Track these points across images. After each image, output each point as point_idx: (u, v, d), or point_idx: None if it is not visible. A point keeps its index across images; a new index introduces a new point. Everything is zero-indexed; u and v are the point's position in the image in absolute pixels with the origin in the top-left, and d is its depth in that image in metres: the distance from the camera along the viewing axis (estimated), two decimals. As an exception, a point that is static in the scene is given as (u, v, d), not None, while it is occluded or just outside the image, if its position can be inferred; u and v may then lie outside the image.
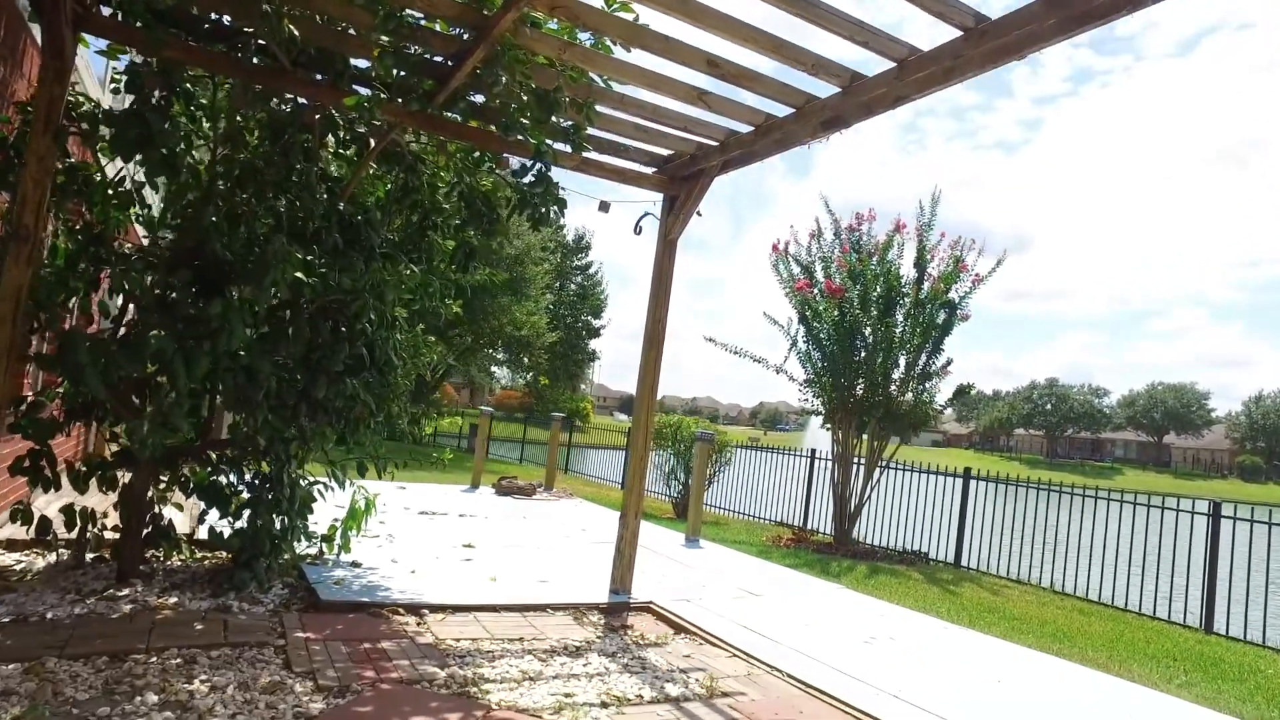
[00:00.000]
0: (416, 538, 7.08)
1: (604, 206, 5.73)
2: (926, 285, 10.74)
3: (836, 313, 10.82)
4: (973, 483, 10.48)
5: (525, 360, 29.94)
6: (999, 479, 10.24)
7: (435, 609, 4.87)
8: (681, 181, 5.76)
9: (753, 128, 4.99)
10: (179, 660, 3.50)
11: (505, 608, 5.08)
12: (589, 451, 25.39)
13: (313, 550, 5.90)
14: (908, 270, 10.94)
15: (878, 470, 10.95)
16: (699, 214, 5.83)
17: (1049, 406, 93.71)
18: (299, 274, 4.45)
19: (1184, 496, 8.59)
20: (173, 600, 4.40)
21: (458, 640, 4.33)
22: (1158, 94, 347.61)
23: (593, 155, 5.52)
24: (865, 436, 11.10)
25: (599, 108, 5.08)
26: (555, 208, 5.25)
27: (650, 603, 5.54)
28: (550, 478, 12.13)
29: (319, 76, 4.69)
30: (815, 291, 10.96)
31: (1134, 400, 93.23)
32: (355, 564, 5.76)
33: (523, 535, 7.85)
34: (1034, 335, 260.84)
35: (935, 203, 10.76)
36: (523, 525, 8.48)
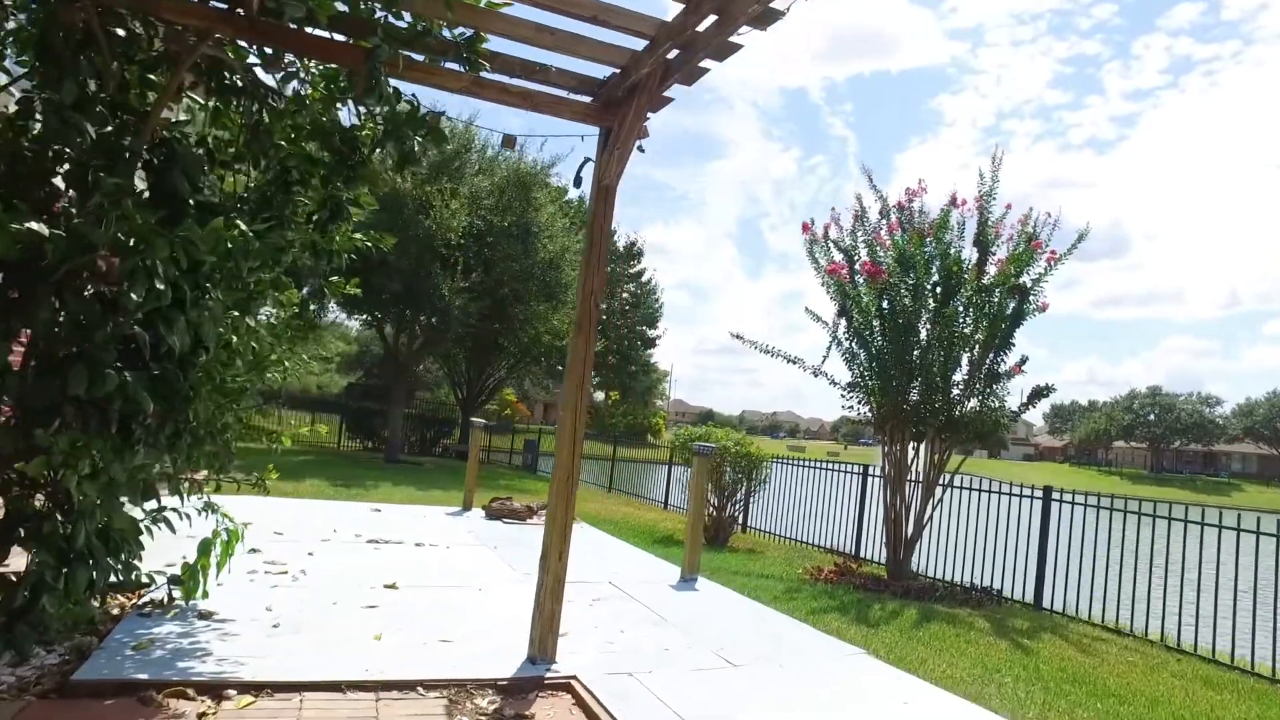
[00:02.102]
0: (332, 575, 5.77)
1: (509, 142, 4.34)
2: (992, 268, 8.92)
3: (884, 303, 9.10)
4: (1056, 504, 8.51)
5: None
6: (1088, 497, 8.20)
7: (251, 688, 3.50)
8: (614, 108, 4.29)
9: (682, 5, 3.49)
10: None
11: (359, 685, 3.67)
12: (652, 468, 23.94)
13: (159, 594, 4.66)
14: (969, 253, 9.15)
15: (939, 489, 9.14)
16: (640, 149, 4.35)
17: (1152, 417, 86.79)
18: (35, 225, 3.18)
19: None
20: None
21: (232, 749, 2.95)
22: (1270, 79, 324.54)
23: (491, 76, 4.12)
24: (922, 449, 9.33)
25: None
26: (428, 141, 3.88)
27: (573, 678, 4.03)
28: (557, 498, 10.70)
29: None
30: (855, 277, 9.27)
31: (1252, 409, 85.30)
32: (205, 615, 4.47)
33: (473, 573, 6.45)
34: (1133, 342, 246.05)
35: (997, 167, 8.93)
36: (485, 559, 7.09)
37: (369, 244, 4.51)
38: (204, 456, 4.16)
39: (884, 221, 9.54)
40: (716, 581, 7.20)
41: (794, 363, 9.78)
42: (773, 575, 8.63)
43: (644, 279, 38.94)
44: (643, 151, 4.35)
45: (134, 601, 4.62)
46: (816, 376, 9.69)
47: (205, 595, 4.64)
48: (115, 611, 4.44)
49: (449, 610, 5.16)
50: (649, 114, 4.41)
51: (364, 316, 21.45)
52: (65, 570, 3.74)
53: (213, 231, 3.43)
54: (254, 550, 6.29)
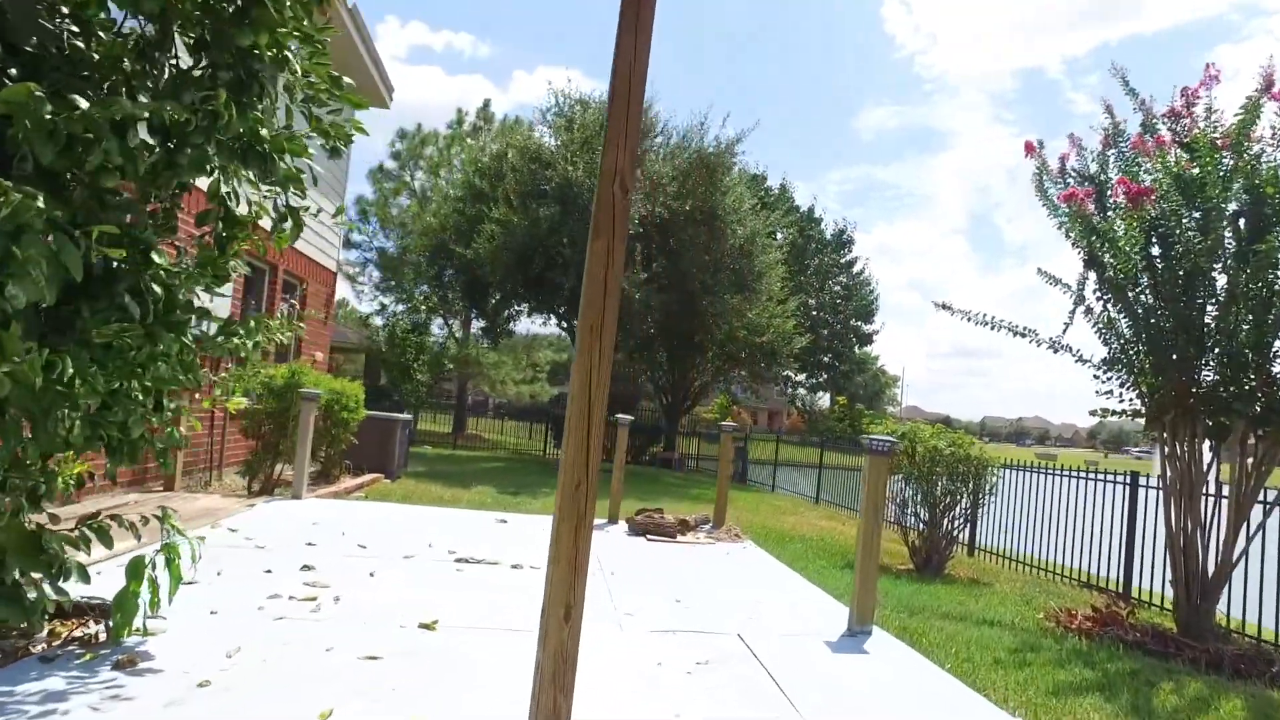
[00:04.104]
0: (370, 606, 4.48)
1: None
2: (1332, 182, 5.96)
3: (1153, 244, 6.47)
4: None
5: (786, 373, 26.55)
6: None
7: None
8: None
9: None
10: None
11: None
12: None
13: (95, 628, 3.57)
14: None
15: (1258, 507, 6.30)
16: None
17: None
18: None
19: None
20: None
21: None
22: None
23: None
24: (1225, 451, 6.53)
25: None
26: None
27: (572, 831, 2.31)
28: (720, 513, 8.93)
29: None
30: (1107, 211, 6.68)
31: None
32: (124, 662, 3.26)
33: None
34: None
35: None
36: (586, 588, 5.50)
37: (329, 139, 3.13)
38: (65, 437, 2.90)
39: (1149, 138, 6.84)
40: (903, 637, 5.07)
41: (1022, 335, 7.27)
42: (999, 621, 6.29)
43: (856, 269, 35.65)
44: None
45: (65, 636, 3.57)
46: (1056, 352, 7.14)
47: (144, 631, 3.51)
48: (38, 649, 3.40)
49: (478, 669, 3.64)
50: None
51: (544, 318, 20.98)
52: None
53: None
54: (306, 567, 5.23)
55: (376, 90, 13.59)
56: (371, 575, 5.21)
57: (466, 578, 5.45)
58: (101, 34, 3.33)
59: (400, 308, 25.74)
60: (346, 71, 12.75)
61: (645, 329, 18.66)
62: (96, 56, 3.26)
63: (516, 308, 21.16)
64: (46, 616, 3.58)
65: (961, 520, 9.01)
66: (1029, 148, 7.01)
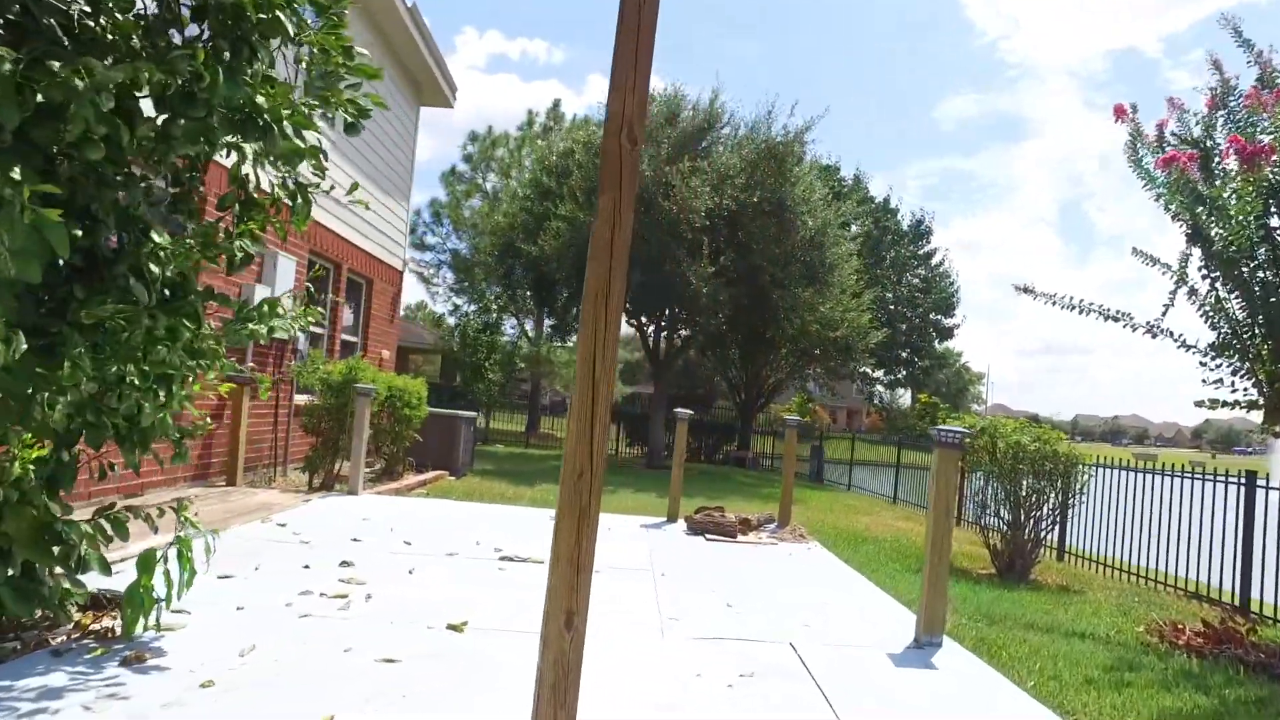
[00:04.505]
0: (402, 604, 4.30)
1: None
2: None
3: (1273, 213, 5.79)
4: None
5: (863, 369, 25.67)
6: None
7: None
8: None
9: None
10: None
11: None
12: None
13: (111, 622, 3.47)
14: None
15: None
16: None
17: None
18: None
19: None
20: None
21: None
22: None
23: None
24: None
25: None
26: None
27: None
28: (785, 511, 8.49)
29: None
30: (1213, 179, 5.99)
31: None
32: (132, 659, 3.13)
33: (598, 612, 4.61)
34: None
35: None
36: (633, 591, 5.19)
37: (329, 106, 2.93)
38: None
39: (1267, 92, 6.11)
40: (978, 650, 4.58)
41: (1115, 319, 6.61)
42: (1092, 635, 5.70)
43: (934, 261, 34.24)
44: None
45: (89, 628, 3.48)
46: (1155, 337, 6.46)
47: (159, 626, 3.39)
48: (58, 641, 3.32)
49: (502, 673, 3.39)
50: None
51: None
52: None
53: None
54: (345, 564, 5.11)
55: (439, 90, 13.64)
56: (410, 573, 5.04)
57: (507, 576, 5.23)
58: (119, 16, 3.23)
59: (472, 308, 26.08)
60: (409, 71, 12.76)
61: (716, 324, 18.26)
62: (111, 38, 3.16)
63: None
64: (75, 608, 3.53)
65: (1049, 521, 8.34)
66: (1119, 111, 6.36)
